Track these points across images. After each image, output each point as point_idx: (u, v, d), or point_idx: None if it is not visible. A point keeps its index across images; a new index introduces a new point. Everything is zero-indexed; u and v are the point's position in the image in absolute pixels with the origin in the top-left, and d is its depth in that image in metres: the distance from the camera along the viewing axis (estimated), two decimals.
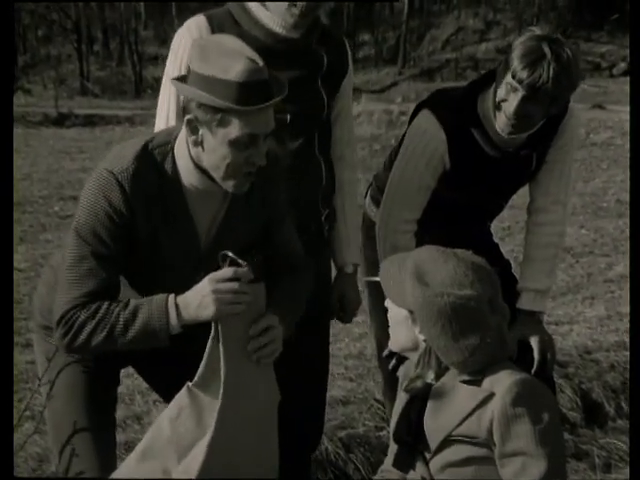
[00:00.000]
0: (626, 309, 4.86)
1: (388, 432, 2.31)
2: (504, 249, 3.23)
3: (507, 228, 7.57)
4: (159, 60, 25.24)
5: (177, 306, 2.00)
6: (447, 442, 1.96)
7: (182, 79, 2.00)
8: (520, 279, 2.83)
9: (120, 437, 3.17)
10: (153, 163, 2.04)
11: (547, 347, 2.78)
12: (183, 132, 2.03)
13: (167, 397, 2.18)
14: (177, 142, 2.06)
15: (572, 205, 5.91)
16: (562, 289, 5.99)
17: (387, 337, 2.11)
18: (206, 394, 2.04)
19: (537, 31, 2.49)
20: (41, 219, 8.68)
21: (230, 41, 2.01)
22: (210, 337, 2.02)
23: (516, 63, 2.44)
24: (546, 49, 2.42)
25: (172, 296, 2.02)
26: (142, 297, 2.06)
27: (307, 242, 2.50)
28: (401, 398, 2.11)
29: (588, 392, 4.00)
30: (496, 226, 3.75)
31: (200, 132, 1.98)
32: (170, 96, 2.45)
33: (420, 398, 2.02)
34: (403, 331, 2.02)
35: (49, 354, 2.20)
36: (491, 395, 1.91)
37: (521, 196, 2.96)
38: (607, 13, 27.83)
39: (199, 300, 1.98)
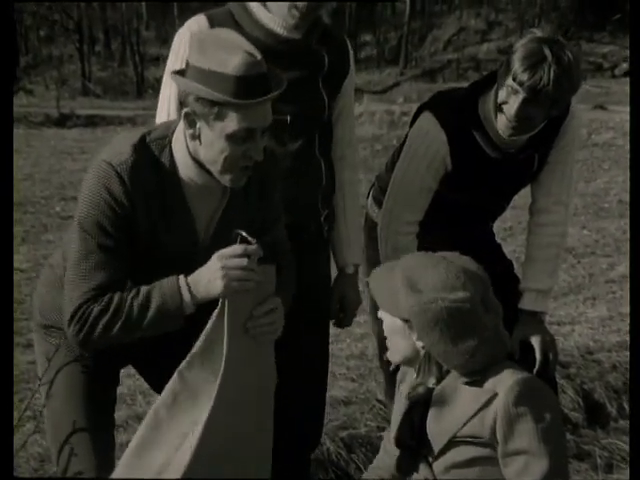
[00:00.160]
0: (628, 309, 4.85)
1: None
2: (506, 249, 3.23)
3: (509, 228, 7.56)
4: (161, 61, 25.18)
5: (188, 285, 2.00)
6: (451, 444, 1.96)
7: (180, 73, 2.00)
8: (522, 279, 2.83)
9: (122, 437, 3.16)
10: (151, 156, 2.04)
11: (549, 347, 2.78)
12: (181, 126, 2.02)
13: None
14: (175, 136, 2.05)
15: (574, 206, 5.91)
16: (564, 289, 5.98)
17: None
18: (201, 373, 2.01)
19: (538, 33, 2.49)
20: (43, 219, 8.67)
21: (228, 35, 2.00)
22: (214, 314, 2.00)
23: (517, 65, 2.44)
24: (547, 51, 2.41)
25: (182, 276, 2.01)
26: None
27: (307, 242, 2.50)
28: (401, 402, 2.10)
29: (590, 392, 4.00)
30: (498, 227, 3.74)
31: (197, 125, 1.97)
32: (171, 95, 2.43)
33: (422, 402, 2.01)
34: (401, 341, 2.02)
35: (49, 354, 2.19)
36: (494, 395, 1.91)
37: (523, 197, 2.96)
38: (609, 13, 27.78)
39: (208, 277, 1.98)
